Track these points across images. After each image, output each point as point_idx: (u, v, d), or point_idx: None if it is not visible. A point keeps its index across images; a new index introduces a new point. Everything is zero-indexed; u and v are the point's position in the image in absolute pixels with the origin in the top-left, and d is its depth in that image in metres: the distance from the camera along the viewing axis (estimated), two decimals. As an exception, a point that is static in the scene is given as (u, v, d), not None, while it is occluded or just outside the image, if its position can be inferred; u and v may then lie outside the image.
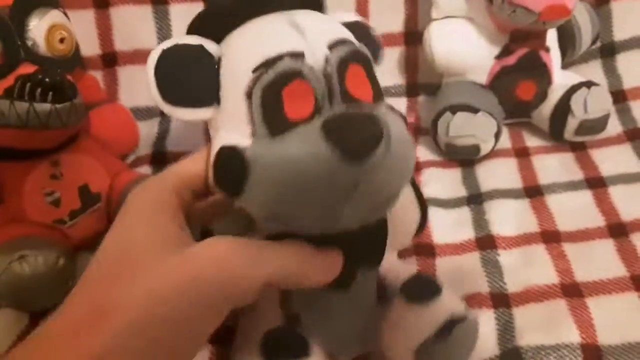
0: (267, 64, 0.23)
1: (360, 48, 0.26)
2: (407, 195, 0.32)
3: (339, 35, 0.25)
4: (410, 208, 0.32)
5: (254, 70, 0.24)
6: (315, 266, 0.25)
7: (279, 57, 0.24)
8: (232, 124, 0.24)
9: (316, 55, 0.24)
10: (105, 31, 0.52)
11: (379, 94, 0.26)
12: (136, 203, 0.25)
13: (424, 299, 0.30)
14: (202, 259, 0.23)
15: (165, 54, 0.25)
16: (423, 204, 0.33)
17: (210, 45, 0.26)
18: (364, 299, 0.31)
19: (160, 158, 0.52)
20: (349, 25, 0.28)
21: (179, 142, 0.54)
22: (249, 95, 0.24)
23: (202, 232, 0.28)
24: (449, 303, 0.31)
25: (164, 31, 0.54)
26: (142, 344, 0.21)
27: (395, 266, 0.33)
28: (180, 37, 0.26)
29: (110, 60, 0.53)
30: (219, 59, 0.25)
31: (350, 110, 0.24)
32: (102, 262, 0.24)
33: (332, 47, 0.25)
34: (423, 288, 0.31)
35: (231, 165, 0.24)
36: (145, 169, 0.51)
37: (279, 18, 0.26)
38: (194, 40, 0.25)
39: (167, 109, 0.25)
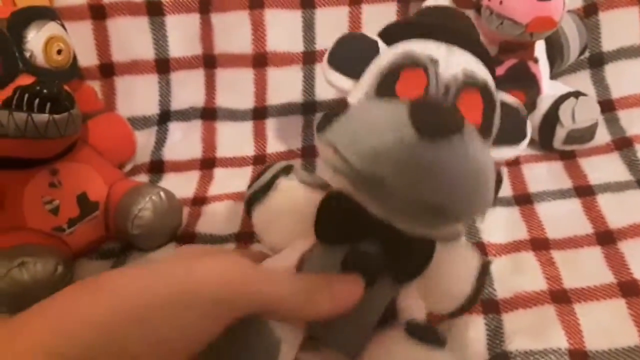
0: (406, 55, 0.29)
1: (490, 85, 0.29)
2: (466, 267, 0.32)
3: (479, 72, 0.29)
4: (462, 281, 0.32)
5: (394, 55, 0.29)
6: (322, 299, 0.25)
7: (418, 54, 0.29)
8: (357, 90, 0.30)
9: (448, 69, 0.28)
10: (102, 42, 0.53)
11: (486, 130, 0.29)
12: None
13: (426, 343, 0.29)
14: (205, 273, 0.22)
15: (350, 36, 0.32)
16: (477, 293, 0.32)
17: (381, 44, 0.32)
18: (372, 306, 0.30)
19: (158, 167, 0.53)
20: (507, 106, 0.32)
21: (176, 151, 0.54)
22: (380, 68, 0.29)
23: (286, 166, 0.32)
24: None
25: (160, 41, 0.54)
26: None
27: (415, 309, 0.32)
28: (366, 33, 0.32)
29: (107, 70, 0.54)
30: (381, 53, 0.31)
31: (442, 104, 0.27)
32: None
33: (466, 74, 0.29)
34: (429, 333, 0.30)
35: (335, 110, 0.27)
36: (142, 178, 0.52)
37: (442, 44, 0.30)
38: (373, 37, 0.32)
39: (326, 68, 0.31)
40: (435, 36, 0.31)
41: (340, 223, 0.29)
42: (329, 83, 0.31)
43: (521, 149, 0.33)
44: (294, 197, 0.31)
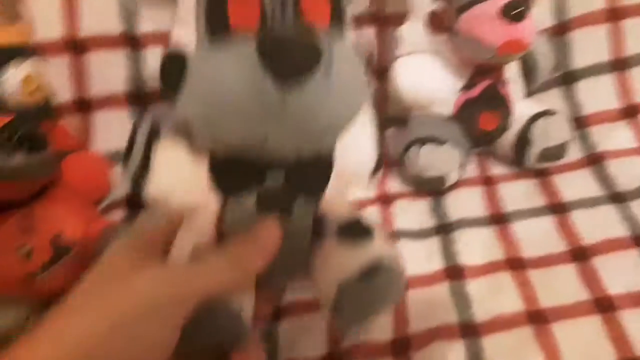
0: None
1: None
2: (363, 137, 0.32)
3: None
4: (365, 149, 0.32)
5: None
6: (251, 259, 0.27)
7: None
8: (183, 19, 0.26)
9: None
10: (79, 77, 0.53)
11: (338, 20, 0.26)
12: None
13: (356, 240, 0.30)
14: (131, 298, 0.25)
15: None
16: (381, 150, 0.33)
17: None
18: (299, 230, 0.31)
19: (136, 201, 0.53)
20: None
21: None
22: None
23: (152, 127, 0.30)
24: (379, 249, 0.31)
25: (137, 75, 0.55)
26: None
27: (339, 206, 0.32)
28: None
29: (84, 105, 0.54)
30: None
31: (290, 31, 0.23)
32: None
33: None
34: (357, 230, 0.31)
35: (173, 65, 0.25)
36: (119, 214, 0.51)
37: None
38: None
39: None
40: None
41: (238, 177, 0.28)
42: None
43: None
44: (180, 162, 0.29)
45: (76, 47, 0.53)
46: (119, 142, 0.53)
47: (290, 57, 0.22)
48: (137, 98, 0.55)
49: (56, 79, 0.51)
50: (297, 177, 0.29)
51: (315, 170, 0.29)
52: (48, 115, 0.43)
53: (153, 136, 0.29)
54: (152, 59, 0.55)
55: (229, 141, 0.24)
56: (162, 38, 0.54)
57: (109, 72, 0.54)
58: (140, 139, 0.29)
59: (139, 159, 0.29)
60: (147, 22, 0.54)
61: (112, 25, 0.53)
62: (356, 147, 0.31)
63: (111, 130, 0.55)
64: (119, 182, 0.53)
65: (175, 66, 0.25)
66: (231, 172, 0.28)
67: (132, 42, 0.54)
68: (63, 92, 0.53)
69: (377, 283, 0.29)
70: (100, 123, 0.54)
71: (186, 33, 0.26)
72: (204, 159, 0.28)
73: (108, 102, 0.54)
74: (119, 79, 0.54)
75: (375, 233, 0.31)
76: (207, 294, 0.26)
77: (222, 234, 0.30)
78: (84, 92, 0.54)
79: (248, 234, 0.28)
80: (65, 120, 0.52)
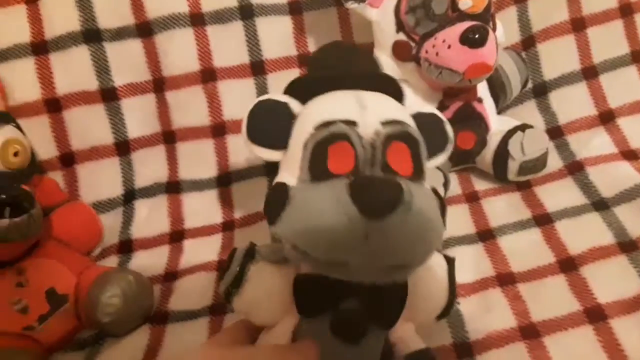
0: (325, 124, 0.29)
1: (410, 130, 0.30)
2: (438, 278, 0.34)
3: (395, 117, 0.30)
4: (438, 290, 0.34)
5: (314, 128, 0.29)
6: None
7: (334, 122, 0.29)
8: (289, 167, 0.30)
9: (368, 127, 0.29)
10: (60, 133, 0.54)
11: (419, 172, 0.30)
12: None
13: None
14: None
15: (259, 104, 0.31)
16: (453, 292, 0.35)
17: (294, 104, 0.32)
18: (369, 356, 0.32)
19: (127, 246, 0.54)
20: (422, 116, 0.33)
21: (144, 228, 0.55)
22: (305, 146, 0.29)
23: (248, 250, 0.33)
24: None
25: (118, 125, 0.56)
26: None
27: (408, 337, 0.34)
28: (276, 93, 0.32)
29: (68, 160, 0.55)
30: (296, 116, 0.31)
31: (377, 175, 0.28)
32: None
33: (385, 123, 0.29)
34: (426, 358, 0.33)
35: (277, 196, 0.29)
36: (112, 259, 0.52)
37: (350, 94, 0.31)
38: (283, 98, 0.32)
39: (250, 146, 0.31)
40: (342, 86, 0.32)
41: (317, 298, 0.31)
42: (257, 156, 0.32)
43: (449, 150, 0.35)
44: (267, 283, 0.32)
45: (55, 105, 0.54)
46: (106, 190, 0.56)
47: (376, 196, 0.25)
48: (122, 146, 0.56)
49: (38, 137, 0.52)
50: (372, 305, 0.31)
51: (389, 300, 0.31)
52: (32, 174, 0.44)
53: (248, 257, 0.32)
54: (130, 108, 0.56)
55: (315, 259, 0.27)
56: (139, 88, 0.56)
57: (90, 125, 0.55)
58: (238, 258, 0.32)
59: (234, 274, 0.32)
60: (121, 76, 0.55)
61: (88, 81, 0.54)
62: (429, 288, 0.34)
63: (97, 180, 0.55)
64: (110, 229, 0.54)
65: (278, 195, 0.29)
66: (312, 293, 0.31)
67: (109, 95, 0.55)
68: (46, 149, 0.54)
69: None
70: (85, 175, 0.55)
71: (289, 176, 0.30)
72: (290, 280, 0.31)
73: (92, 154, 0.55)
74: (101, 130, 0.55)
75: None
76: None
77: None
78: (67, 148, 0.55)
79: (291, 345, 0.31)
80: (51, 174, 0.53)
